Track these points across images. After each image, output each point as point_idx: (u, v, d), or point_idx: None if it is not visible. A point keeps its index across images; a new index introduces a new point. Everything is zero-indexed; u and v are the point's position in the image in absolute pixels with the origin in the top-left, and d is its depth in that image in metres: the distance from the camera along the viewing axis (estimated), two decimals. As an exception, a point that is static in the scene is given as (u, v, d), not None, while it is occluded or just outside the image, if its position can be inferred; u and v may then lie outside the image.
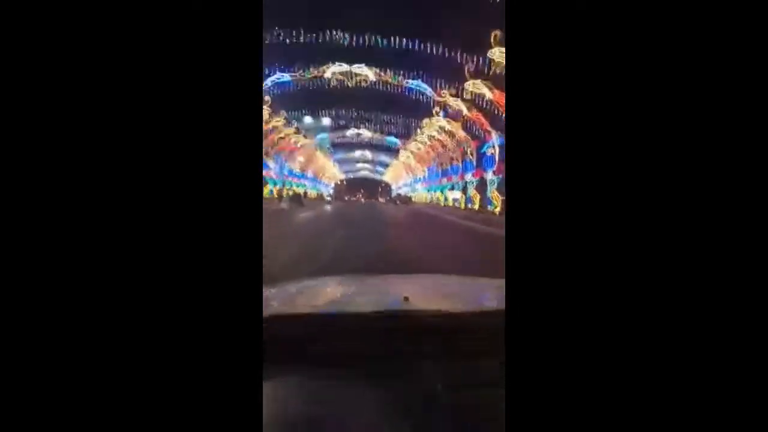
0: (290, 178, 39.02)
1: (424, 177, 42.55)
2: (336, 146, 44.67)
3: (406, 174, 50.79)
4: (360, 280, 1.44)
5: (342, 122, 33.83)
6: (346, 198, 58.09)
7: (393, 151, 44.13)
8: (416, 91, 22.37)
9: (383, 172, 62.14)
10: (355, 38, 18.32)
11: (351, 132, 37.43)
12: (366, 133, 37.26)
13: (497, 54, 17.94)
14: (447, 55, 19.00)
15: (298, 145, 36.23)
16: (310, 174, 47.38)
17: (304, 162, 41.72)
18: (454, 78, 20.50)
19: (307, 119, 32.19)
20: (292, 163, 38.30)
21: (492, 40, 17.92)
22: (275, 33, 17.59)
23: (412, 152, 39.37)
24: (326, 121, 33.61)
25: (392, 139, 38.08)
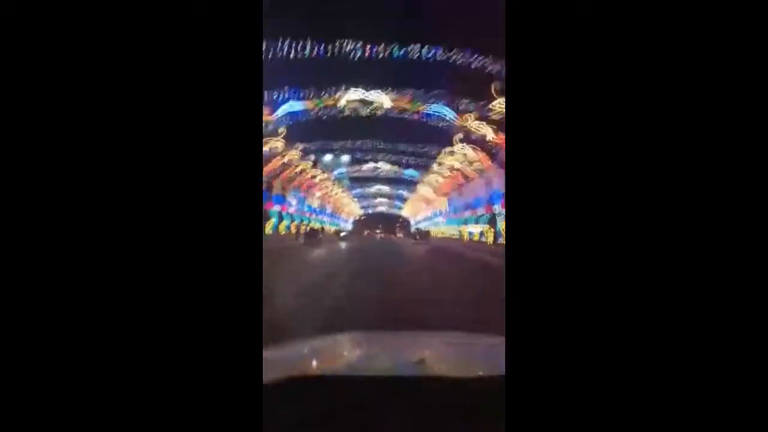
0: (309, 214, 38.50)
1: (444, 211, 41.17)
2: (353, 180, 43.58)
3: (426, 206, 49.62)
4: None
5: (359, 155, 32.45)
6: (365, 233, 57.59)
7: (412, 184, 42.59)
8: (436, 117, 20.83)
9: (401, 207, 61.76)
10: (369, 49, 17.02)
11: (368, 166, 36.23)
12: (384, 167, 35.97)
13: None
14: (472, 66, 17.47)
15: (316, 180, 35.71)
16: (329, 210, 47.17)
17: (321, 197, 40.99)
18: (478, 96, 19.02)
19: (327, 157, 31.24)
20: (310, 198, 37.93)
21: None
22: (283, 45, 16.48)
23: (431, 185, 37.79)
24: (345, 158, 32.75)
25: (411, 171, 36.60)
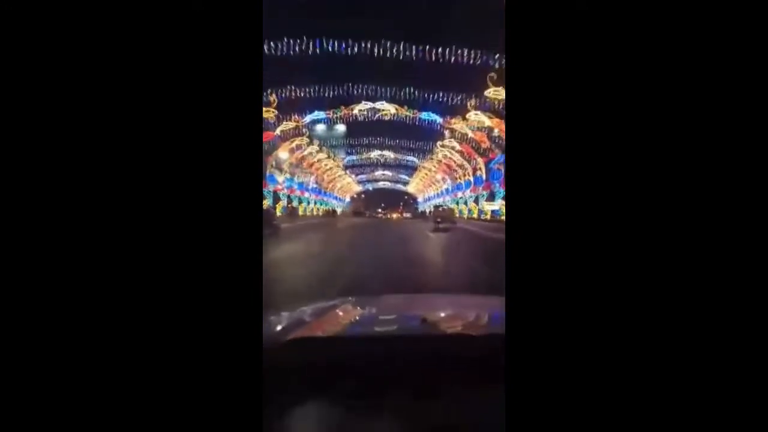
0: (299, 192, 36.91)
1: (446, 189, 44.12)
2: (357, 167, 47.59)
3: (434, 184, 47.45)
4: None
5: (366, 143, 38.33)
6: (367, 214, 48.68)
7: (411, 168, 47.84)
8: (427, 121, 27.22)
9: (407, 181, 56.32)
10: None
11: (374, 153, 42.31)
12: (388, 154, 41.95)
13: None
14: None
15: (305, 153, 33.86)
16: (314, 186, 41.75)
17: (312, 172, 38.08)
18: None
19: (319, 126, 29.95)
20: (299, 174, 36.15)
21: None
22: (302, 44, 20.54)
23: (429, 169, 43.36)
24: (341, 128, 31.90)
25: (411, 158, 42.59)
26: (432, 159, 39.09)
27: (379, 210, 61.21)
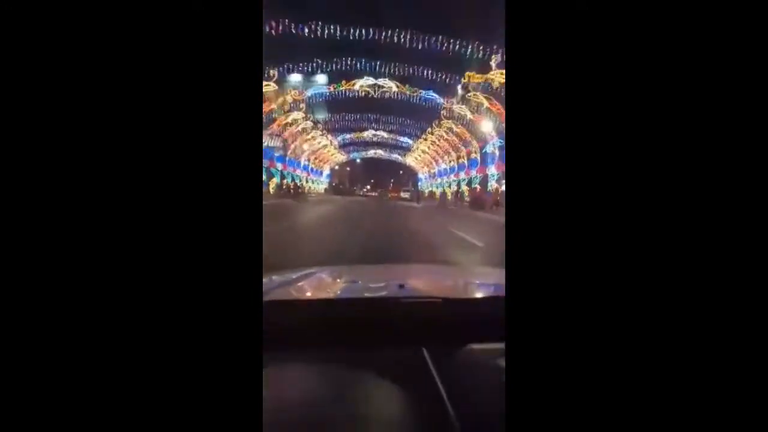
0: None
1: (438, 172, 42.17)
2: (350, 145, 45.29)
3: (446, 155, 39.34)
4: None
5: (363, 124, 38.03)
6: (359, 192, 41.50)
7: (405, 149, 46.87)
8: (429, 99, 27.59)
9: (405, 154, 47.70)
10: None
11: (368, 133, 42.25)
12: (382, 134, 41.77)
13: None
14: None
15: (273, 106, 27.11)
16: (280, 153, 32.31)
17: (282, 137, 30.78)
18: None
19: (295, 77, 25.65)
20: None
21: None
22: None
23: (423, 151, 42.98)
24: (322, 78, 26.31)
25: (405, 139, 42.53)
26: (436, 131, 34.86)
27: (366, 189, 50.81)
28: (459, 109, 27.26)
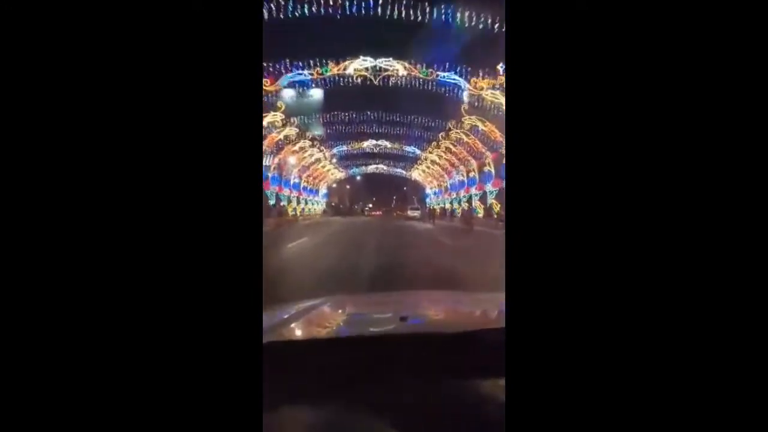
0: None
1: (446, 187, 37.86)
2: (347, 158, 39.59)
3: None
4: None
5: (361, 127, 30.46)
6: (360, 210, 38.76)
7: (412, 160, 40.20)
8: (452, 83, 19.93)
9: (411, 167, 43.02)
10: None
11: (368, 143, 35.12)
12: (385, 144, 34.68)
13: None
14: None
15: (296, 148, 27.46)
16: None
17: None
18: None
19: (288, 92, 21.21)
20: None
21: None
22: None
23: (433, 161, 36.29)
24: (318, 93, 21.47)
25: (412, 149, 35.31)
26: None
27: (367, 208, 47.21)
28: (491, 96, 19.55)
